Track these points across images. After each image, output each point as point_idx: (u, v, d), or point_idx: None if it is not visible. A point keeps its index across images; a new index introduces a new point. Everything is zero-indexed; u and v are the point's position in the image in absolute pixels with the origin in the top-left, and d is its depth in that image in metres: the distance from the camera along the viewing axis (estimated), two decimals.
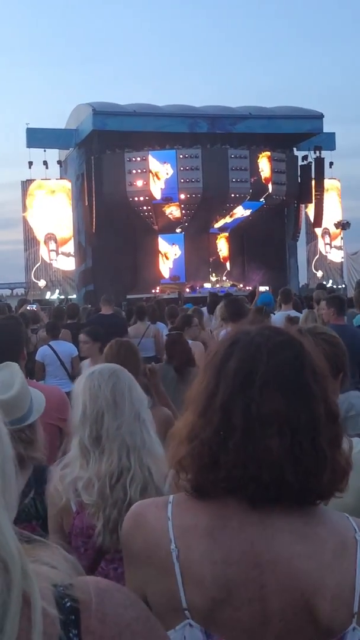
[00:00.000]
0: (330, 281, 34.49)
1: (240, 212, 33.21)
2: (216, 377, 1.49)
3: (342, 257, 29.26)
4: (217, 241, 34.26)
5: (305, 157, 35.85)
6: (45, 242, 33.04)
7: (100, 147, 31.80)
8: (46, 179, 33.69)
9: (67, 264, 33.24)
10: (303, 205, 36.15)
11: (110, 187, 31.29)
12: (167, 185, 31.48)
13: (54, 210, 32.92)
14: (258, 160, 32.56)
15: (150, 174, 31.52)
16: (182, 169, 31.38)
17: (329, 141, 36.14)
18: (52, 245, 32.95)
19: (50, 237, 33.01)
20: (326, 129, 35.12)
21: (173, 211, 32.00)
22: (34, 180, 33.39)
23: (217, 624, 1.41)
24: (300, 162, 35.83)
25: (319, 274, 37.04)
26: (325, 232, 37.17)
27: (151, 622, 0.89)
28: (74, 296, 31.48)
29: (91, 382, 2.69)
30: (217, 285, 30.27)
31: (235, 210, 33.04)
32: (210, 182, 31.09)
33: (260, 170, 32.53)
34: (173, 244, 32.77)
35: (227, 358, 1.50)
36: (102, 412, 2.63)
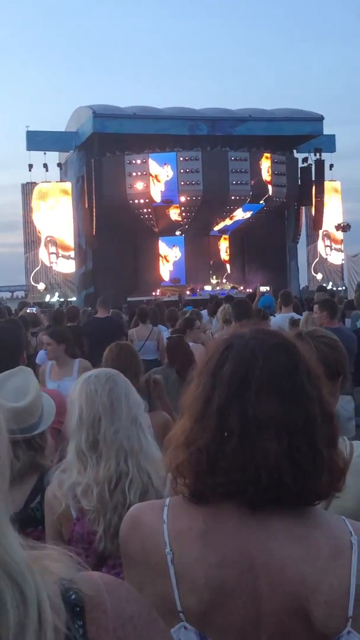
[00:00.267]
0: (330, 283, 34.50)
1: (241, 214, 33.23)
2: (211, 382, 1.49)
3: (342, 259, 29.24)
4: (217, 244, 34.27)
5: (305, 159, 35.93)
6: (46, 245, 33.09)
7: (100, 149, 31.84)
8: (46, 182, 33.74)
9: (67, 266, 33.26)
10: (303, 208, 36.17)
11: (110, 190, 31.33)
12: (168, 188, 31.51)
13: (55, 213, 32.99)
14: (260, 162, 32.57)
15: (151, 176, 31.55)
16: (182, 171, 31.42)
17: (329, 143, 36.19)
18: (52, 248, 33.00)
19: (50, 240, 33.06)
20: (326, 131, 35.25)
21: (174, 214, 32.01)
22: (34, 183, 33.47)
23: (212, 626, 1.41)
24: (300, 164, 35.92)
25: (319, 276, 37.06)
26: (326, 234, 37.17)
27: (152, 616, 0.92)
28: (74, 299, 31.48)
29: (87, 387, 2.68)
30: (218, 288, 30.29)
31: (235, 213, 33.05)
32: (211, 185, 31.12)
33: (260, 172, 32.54)
34: (173, 245, 32.80)
35: (222, 362, 1.50)
36: (99, 416, 2.62)
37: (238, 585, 1.40)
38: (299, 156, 36.33)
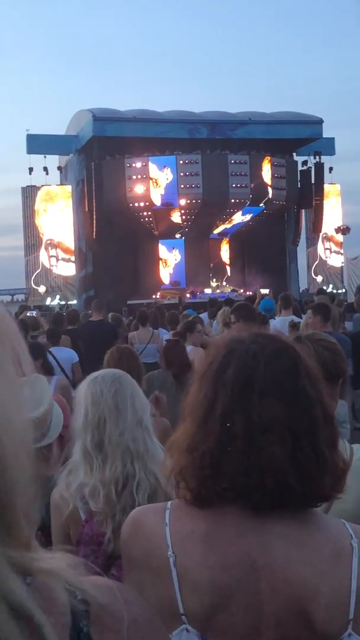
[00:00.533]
0: (331, 286, 34.50)
1: (240, 217, 33.24)
2: (214, 387, 1.50)
3: (342, 262, 29.26)
4: (217, 246, 34.28)
5: (305, 162, 35.94)
6: (46, 248, 33.12)
7: (100, 153, 31.87)
8: (46, 185, 33.77)
9: (67, 269, 33.28)
10: (303, 211, 36.19)
11: (110, 193, 31.35)
12: (167, 191, 31.53)
13: (58, 216, 33.05)
14: (260, 165, 32.59)
15: (151, 180, 31.58)
16: (182, 174, 31.43)
17: (329, 146, 36.21)
18: (53, 251, 33.03)
19: (50, 243, 33.10)
20: (326, 134, 35.25)
21: (175, 217, 32.04)
22: (34, 186, 33.49)
23: (214, 629, 1.42)
24: (300, 167, 35.91)
25: (319, 278, 37.05)
26: (325, 237, 37.19)
27: (155, 620, 0.93)
28: (74, 302, 31.49)
29: (93, 388, 2.68)
30: (218, 291, 30.27)
31: (235, 216, 33.07)
32: (210, 188, 31.13)
33: (260, 175, 32.56)
34: (173, 248, 32.79)
35: (224, 367, 1.51)
36: (103, 417, 2.62)
37: (240, 588, 1.41)
38: (299, 159, 36.33)
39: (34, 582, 0.78)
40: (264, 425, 1.42)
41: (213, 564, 1.43)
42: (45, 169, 33.77)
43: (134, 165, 31.89)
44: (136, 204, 31.89)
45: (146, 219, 32.38)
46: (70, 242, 33.34)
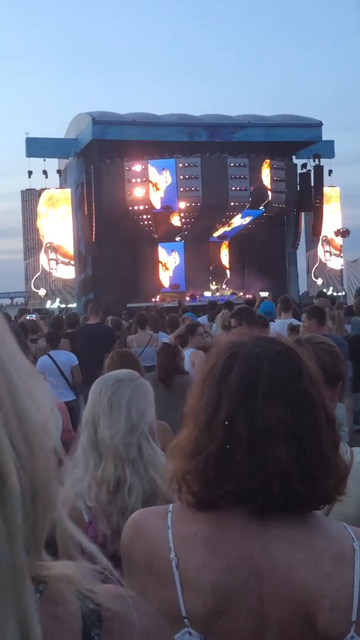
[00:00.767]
0: (331, 288, 34.53)
1: (240, 220, 33.26)
2: (218, 390, 1.50)
3: (342, 265, 29.26)
4: (217, 249, 34.30)
5: (304, 165, 35.98)
6: (45, 251, 33.15)
7: (99, 156, 31.90)
8: (46, 188, 33.80)
9: (67, 272, 33.31)
10: (302, 213, 36.22)
11: (109, 196, 31.37)
12: (167, 195, 31.56)
13: (59, 220, 33.10)
14: (260, 168, 32.62)
15: (150, 183, 31.61)
16: (181, 177, 31.46)
17: (328, 149, 36.24)
18: (52, 255, 33.07)
19: (50, 246, 33.13)
20: (325, 136, 35.26)
21: (175, 220, 32.07)
22: (33, 189, 33.54)
23: (216, 632, 1.42)
24: (299, 170, 35.95)
25: (319, 281, 37.07)
26: (325, 239, 37.20)
27: (165, 630, 0.94)
28: (74, 305, 31.50)
29: (96, 387, 2.71)
30: (217, 294, 30.30)
31: (234, 219, 33.09)
32: (210, 191, 31.16)
33: (259, 178, 32.60)
34: (172, 251, 32.80)
35: (228, 370, 1.51)
36: (98, 418, 2.64)
37: (243, 591, 1.41)
38: (298, 162, 36.38)
39: (46, 590, 0.78)
40: (269, 428, 1.43)
41: (215, 567, 1.43)
42: (44, 172, 33.83)
43: (133, 168, 31.92)
44: (136, 207, 31.92)
45: (146, 222, 32.40)
46: (69, 245, 33.36)
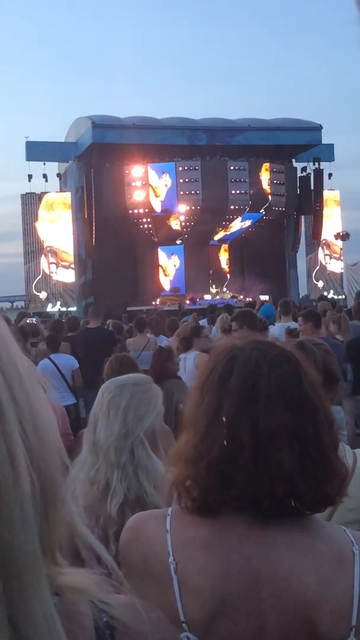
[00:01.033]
0: (332, 292, 34.53)
1: (240, 223, 33.27)
2: (218, 396, 1.49)
3: (342, 268, 29.29)
4: (217, 253, 34.30)
5: (304, 169, 35.98)
6: (45, 255, 33.17)
7: (99, 159, 31.89)
8: (46, 192, 33.82)
9: (67, 276, 33.32)
10: (302, 217, 36.23)
11: (109, 200, 31.39)
12: (167, 198, 31.57)
13: (57, 224, 33.11)
14: (259, 172, 32.64)
15: (150, 187, 31.63)
16: (181, 181, 31.46)
17: (328, 152, 36.26)
18: (52, 258, 33.08)
19: (50, 250, 33.14)
20: (325, 140, 35.28)
21: (175, 224, 32.07)
22: (33, 193, 33.55)
23: (215, 637, 1.41)
24: (299, 174, 35.94)
25: (320, 284, 37.07)
26: (325, 243, 37.20)
27: None
28: (74, 308, 31.49)
29: (102, 388, 2.73)
30: (217, 297, 30.26)
31: (234, 222, 33.10)
32: (210, 194, 31.16)
33: (259, 181, 32.61)
34: (172, 254, 32.80)
35: (227, 376, 1.50)
36: (97, 419, 2.66)
37: (242, 596, 1.41)
38: (298, 165, 36.35)
39: (60, 602, 0.76)
40: (271, 432, 1.42)
41: (214, 571, 1.42)
42: (44, 176, 33.84)
43: (133, 171, 31.94)
44: (135, 211, 31.94)
45: (146, 226, 32.42)
46: (69, 248, 33.37)
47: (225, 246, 34.48)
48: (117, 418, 2.63)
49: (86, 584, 0.80)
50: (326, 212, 36.15)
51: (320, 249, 37.57)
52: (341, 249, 34.32)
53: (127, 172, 31.96)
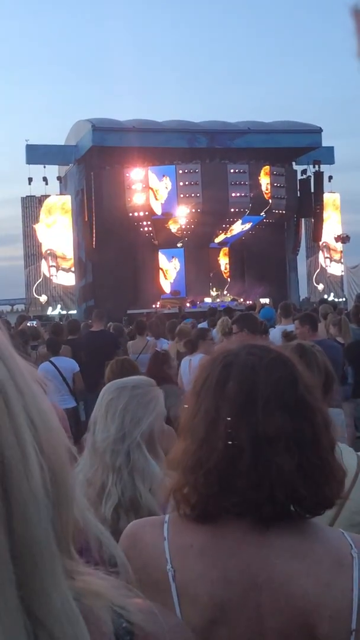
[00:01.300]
0: (332, 294, 34.52)
1: (240, 226, 33.27)
2: (215, 402, 1.48)
3: (342, 271, 29.27)
4: (217, 256, 34.30)
5: (304, 171, 36.00)
6: (45, 258, 33.19)
7: (99, 163, 31.92)
8: (46, 195, 33.85)
9: (67, 279, 33.34)
10: (303, 219, 36.24)
11: (109, 203, 31.42)
12: (167, 201, 31.58)
13: (56, 227, 33.14)
14: (259, 175, 32.65)
15: (151, 190, 31.65)
16: (181, 184, 31.48)
17: (328, 155, 36.28)
18: (52, 261, 33.11)
19: (50, 253, 33.17)
20: (325, 143, 35.30)
21: (174, 227, 32.09)
22: (34, 196, 33.59)
23: None
24: (299, 177, 35.97)
25: (320, 287, 37.08)
26: (325, 245, 37.21)
27: None
28: (75, 311, 31.50)
29: (103, 390, 2.74)
30: (218, 300, 30.27)
31: (234, 225, 33.10)
32: (210, 197, 31.16)
33: (259, 184, 32.62)
34: (173, 257, 32.80)
35: (224, 381, 1.49)
36: (95, 421, 2.66)
37: (241, 602, 1.40)
38: (298, 168, 36.38)
39: (79, 606, 0.76)
40: (270, 437, 1.42)
41: (213, 577, 1.42)
42: (44, 179, 33.85)
43: (133, 174, 31.96)
44: (136, 214, 31.96)
45: (146, 229, 32.43)
46: (69, 251, 33.39)
47: (225, 249, 34.48)
48: (114, 420, 2.63)
49: (104, 588, 0.79)
50: (326, 214, 36.18)
51: (320, 251, 37.60)
52: (341, 252, 34.26)
53: (127, 175, 31.99)
